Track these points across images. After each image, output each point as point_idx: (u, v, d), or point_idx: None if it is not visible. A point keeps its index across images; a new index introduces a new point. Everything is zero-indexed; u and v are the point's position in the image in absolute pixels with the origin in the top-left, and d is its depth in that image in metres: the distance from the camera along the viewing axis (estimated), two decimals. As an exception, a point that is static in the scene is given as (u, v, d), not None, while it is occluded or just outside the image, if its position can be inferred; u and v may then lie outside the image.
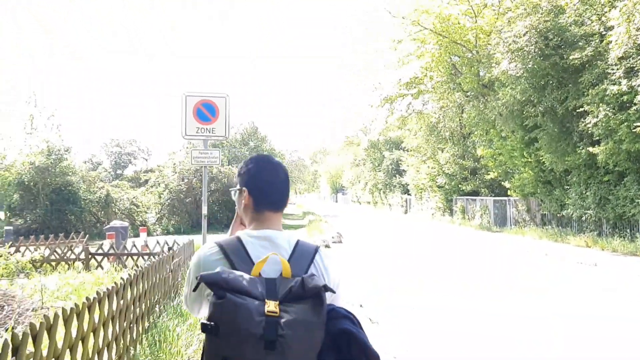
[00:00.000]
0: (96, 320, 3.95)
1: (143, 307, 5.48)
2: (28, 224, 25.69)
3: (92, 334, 3.90)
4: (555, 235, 19.47)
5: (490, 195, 28.28)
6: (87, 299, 3.81)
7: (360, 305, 7.96)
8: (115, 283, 4.71)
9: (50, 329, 3.13)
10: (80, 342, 3.62)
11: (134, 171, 47.05)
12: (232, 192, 1.95)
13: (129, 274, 5.04)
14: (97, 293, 4.11)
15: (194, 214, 29.12)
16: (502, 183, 25.96)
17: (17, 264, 9.36)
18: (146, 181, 33.25)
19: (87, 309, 3.75)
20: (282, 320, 1.35)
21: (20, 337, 2.72)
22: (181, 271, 7.84)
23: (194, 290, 1.54)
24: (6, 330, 6.29)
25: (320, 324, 1.43)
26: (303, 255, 1.64)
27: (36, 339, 2.91)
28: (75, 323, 3.54)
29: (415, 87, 30.35)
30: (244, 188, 1.83)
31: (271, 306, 1.37)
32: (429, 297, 8.81)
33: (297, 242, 1.70)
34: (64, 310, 3.41)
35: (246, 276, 1.44)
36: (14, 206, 25.76)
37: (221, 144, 34.25)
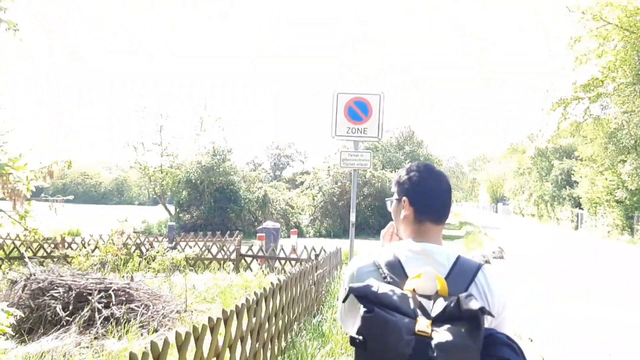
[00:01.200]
0: (233, 335, 3.70)
1: (280, 323, 4.93)
2: (194, 219, 27.51)
3: (228, 349, 3.61)
4: None
5: (685, 215, 24.15)
6: (224, 312, 3.56)
7: (530, 340, 6.70)
8: (246, 299, 4.20)
9: (181, 346, 2.97)
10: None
11: (293, 173, 48.67)
12: (389, 202, 1.87)
13: (264, 288, 4.50)
14: (236, 307, 3.78)
15: (346, 218, 28.95)
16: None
17: (172, 261, 9.54)
18: (301, 183, 33.95)
19: (223, 322, 3.51)
20: (434, 341, 1.27)
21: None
22: (325, 283, 7.25)
23: (344, 301, 1.56)
24: (148, 332, 6.19)
25: (475, 349, 1.30)
26: (463, 273, 1.55)
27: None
28: (208, 336, 3.32)
29: (593, 90, 27.08)
30: (404, 197, 1.74)
31: (422, 325, 1.30)
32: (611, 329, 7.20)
33: (458, 258, 1.60)
34: (194, 328, 3.18)
35: (398, 291, 1.40)
36: (183, 202, 27.73)
37: (375, 147, 33.78)
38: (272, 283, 4.68)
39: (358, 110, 7.65)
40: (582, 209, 37.99)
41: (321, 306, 6.58)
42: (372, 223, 29.74)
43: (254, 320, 4.12)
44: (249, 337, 4.10)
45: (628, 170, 27.12)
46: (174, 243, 13.20)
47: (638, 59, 23.05)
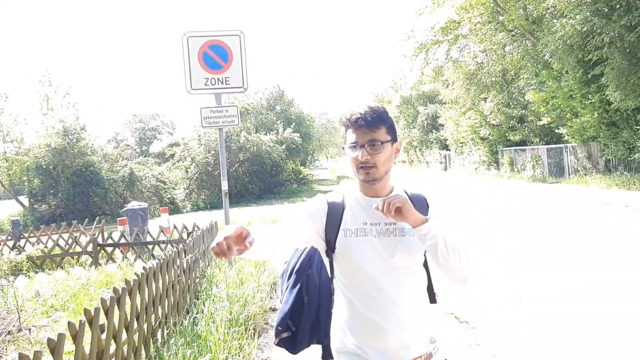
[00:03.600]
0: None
1: (136, 337, 3.68)
2: (53, 209, 24.61)
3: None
4: (626, 182, 17.05)
5: (543, 144, 25.77)
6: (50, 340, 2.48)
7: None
8: (86, 310, 2.96)
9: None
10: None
11: (162, 147, 45.64)
12: (381, 145, 1.80)
13: (102, 299, 3.23)
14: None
15: (223, 187, 27.52)
16: (556, 129, 23.43)
17: (10, 264, 7.73)
18: (172, 156, 31.71)
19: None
20: None
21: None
22: (199, 268, 6.03)
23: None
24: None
25: None
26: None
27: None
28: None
29: (451, 33, 27.69)
30: (399, 142, 1.88)
31: None
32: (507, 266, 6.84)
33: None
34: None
35: None
36: (36, 192, 24.58)
37: (246, 110, 32.32)
38: (114, 289, 3.41)
39: (215, 56, 6.34)
40: (449, 150, 39.76)
41: (195, 299, 5.37)
42: (251, 189, 28.65)
43: (86, 348, 2.87)
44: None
45: (490, 106, 28.33)
46: (20, 241, 11.13)
47: (491, -3, 23.67)
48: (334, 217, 1.85)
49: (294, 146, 32.51)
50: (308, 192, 30.09)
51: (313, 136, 40.63)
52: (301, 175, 35.69)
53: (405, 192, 1.90)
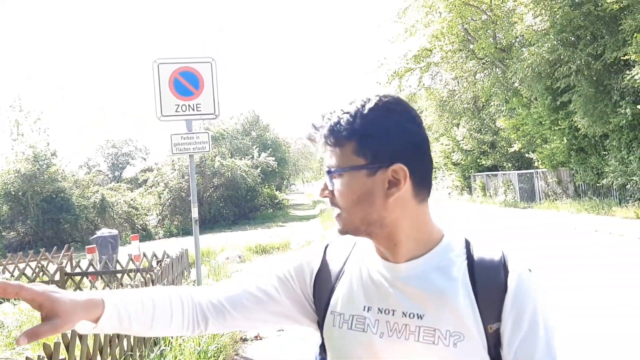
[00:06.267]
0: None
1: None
2: (21, 236, 23.96)
3: None
4: (595, 207, 17.42)
5: (514, 169, 26.25)
6: None
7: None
8: (45, 344, 2.86)
9: None
10: None
11: (135, 172, 45.17)
12: (339, 176, 1.04)
13: (63, 334, 3.12)
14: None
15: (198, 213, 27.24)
16: (527, 155, 23.92)
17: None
18: (145, 181, 31.34)
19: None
20: None
21: None
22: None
23: None
24: None
25: None
26: None
27: None
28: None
29: (423, 61, 28.27)
30: (398, 166, 1.00)
31: None
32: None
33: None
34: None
35: None
36: (4, 218, 23.96)
37: (221, 135, 32.23)
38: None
39: (186, 83, 6.33)
40: (423, 175, 40.18)
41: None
42: (225, 214, 28.43)
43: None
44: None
45: (462, 132, 28.82)
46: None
47: (462, 26, 24.27)
48: (323, 284, 1.17)
49: (270, 170, 32.47)
50: (283, 216, 29.99)
51: (289, 161, 40.71)
52: (277, 200, 35.60)
53: (467, 249, 1.08)
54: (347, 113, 1.03)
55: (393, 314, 1.05)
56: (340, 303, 1.12)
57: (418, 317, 1.02)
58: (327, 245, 1.23)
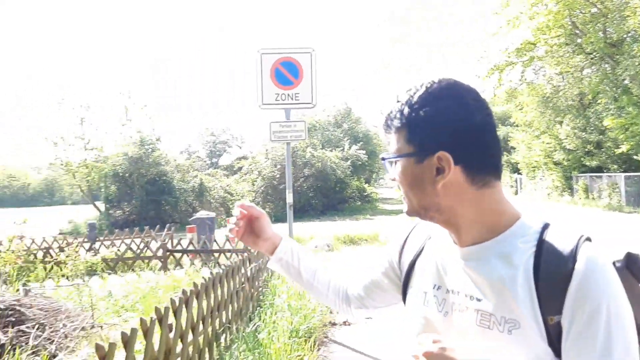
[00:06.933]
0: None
1: (201, 339, 3.82)
2: (126, 215, 25.77)
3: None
4: None
5: (621, 171, 24.54)
6: (124, 334, 2.69)
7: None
8: (157, 308, 3.13)
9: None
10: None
11: (231, 160, 46.98)
12: (402, 161, 1.09)
13: (172, 300, 3.39)
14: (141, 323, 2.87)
15: (287, 201, 27.91)
16: (636, 157, 22.27)
17: (86, 265, 8.18)
18: (240, 169, 32.58)
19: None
20: None
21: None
22: (263, 277, 6.17)
23: None
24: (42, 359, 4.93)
25: None
26: None
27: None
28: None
29: (526, 54, 27.01)
30: (442, 153, 1.02)
31: None
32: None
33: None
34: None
35: None
36: (112, 198, 25.88)
37: (313, 126, 32.74)
38: (183, 290, 3.56)
39: (286, 73, 6.55)
40: (520, 173, 38.58)
41: (258, 307, 5.50)
42: (315, 204, 28.85)
43: (155, 345, 3.02)
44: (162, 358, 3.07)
45: (566, 130, 27.35)
46: (95, 243, 11.75)
47: (569, 19, 22.97)
48: (406, 260, 1.26)
49: (360, 163, 32.55)
50: (372, 209, 29.97)
51: (379, 154, 40.55)
52: (365, 193, 35.61)
53: (541, 235, 1.03)
54: (400, 102, 1.08)
55: (457, 295, 1.09)
56: (415, 279, 1.21)
57: (477, 300, 1.04)
58: (416, 225, 1.29)
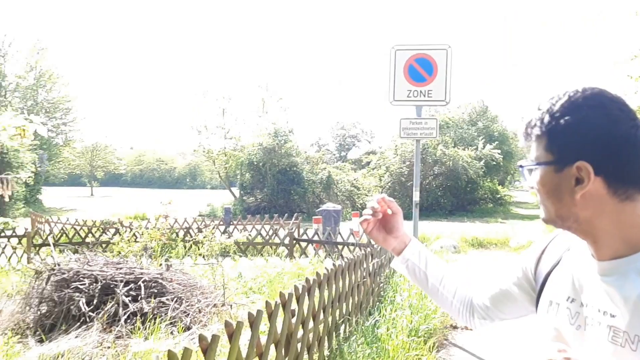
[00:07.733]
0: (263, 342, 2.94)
1: (322, 327, 3.94)
2: (258, 202, 27.12)
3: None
4: None
5: None
6: (250, 314, 2.88)
7: None
8: (281, 293, 3.29)
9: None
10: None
11: (359, 154, 47.47)
12: (540, 169, 1.07)
13: (295, 286, 3.53)
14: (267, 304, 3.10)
15: (414, 198, 27.59)
16: None
17: (220, 246, 8.77)
18: (368, 163, 32.80)
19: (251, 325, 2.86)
20: None
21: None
22: (384, 274, 6.18)
23: None
24: (178, 330, 5.39)
25: None
26: None
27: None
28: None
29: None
30: (582, 163, 0.99)
31: None
32: None
33: None
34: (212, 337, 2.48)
35: None
36: (246, 185, 27.39)
37: (446, 124, 31.96)
38: (307, 279, 3.69)
39: (420, 69, 6.46)
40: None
41: (378, 303, 5.53)
42: (443, 203, 28.23)
43: (278, 328, 3.17)
44: (291, 339, 3.23)
45: None
46: (229, 227, 12.54)
47: None
48: (542, 271, 1.23)
49: (494, 164, 31.19)
50: (504, 213, 28.65)
51: (516, 155, 38.55)
52: (498, 195, 34.07)
53: None
54: (541, 110, 1.06)
55: (591, 309, 1.06)
56: (549, 290, 1.18)
57: (611, 316, 1.00)
58: (555, 236, 1.25)
